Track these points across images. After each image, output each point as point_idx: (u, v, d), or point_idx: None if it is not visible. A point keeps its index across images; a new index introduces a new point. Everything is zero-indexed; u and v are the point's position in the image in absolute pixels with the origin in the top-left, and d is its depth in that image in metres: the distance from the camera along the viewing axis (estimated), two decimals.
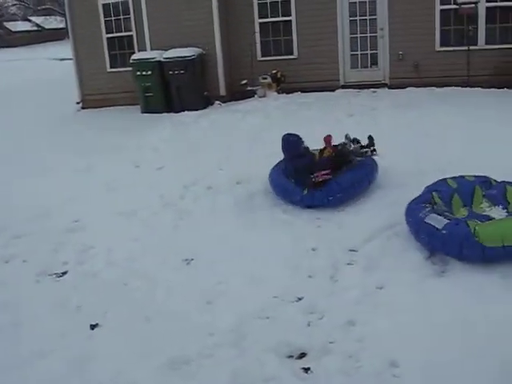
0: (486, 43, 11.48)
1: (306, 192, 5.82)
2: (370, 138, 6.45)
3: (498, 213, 4.86)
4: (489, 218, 4.73)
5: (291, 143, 6.14)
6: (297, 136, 6.16)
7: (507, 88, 10.79)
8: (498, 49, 11.36)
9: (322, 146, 6.47)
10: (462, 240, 4.34)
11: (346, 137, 6.52)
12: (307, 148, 6.22)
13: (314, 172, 5.87)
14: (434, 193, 5.12)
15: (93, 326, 4.12)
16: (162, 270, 4.86)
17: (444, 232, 4.47)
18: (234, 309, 4.15)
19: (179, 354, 3.71)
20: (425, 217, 4.71)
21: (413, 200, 5.10)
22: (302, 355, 3.63)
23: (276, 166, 6.46)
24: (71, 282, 4.85)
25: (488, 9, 11.37)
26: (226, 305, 4.26)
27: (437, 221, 4.55)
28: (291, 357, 3.63)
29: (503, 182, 5.12)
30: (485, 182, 5.20)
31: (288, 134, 6.21)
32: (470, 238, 4.30)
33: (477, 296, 4.03)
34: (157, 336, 3.94)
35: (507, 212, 4.86)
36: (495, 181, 5.18)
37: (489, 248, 4.23)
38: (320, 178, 5.84)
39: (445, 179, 5.28)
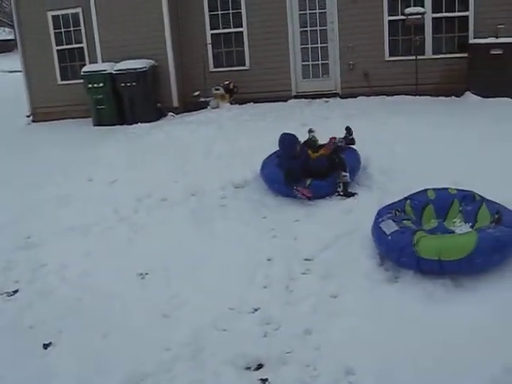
0: (433, 53, 11.78)
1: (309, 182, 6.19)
2: (348, 128, 6.95)
3: (464, 230, 4.89)
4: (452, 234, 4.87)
5: (287, 143, 6.34)
6: (292, 136, 6.37)
7: (455, 96, 11.08)
8: (445, 58, 11.67)
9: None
10: (401, 248, 4.46)
11: (310, 131, 6.75)
12: (302, 147, 6.44)
13: (309, 170, 6.26)
14: (407, 201, 5.22)
15: (46, 346, 4.05)
16: (116, 285, 4.81)
17: (389, 238, 4.60)
18: (191, 322, 4.15)
19: (136, 369, 3.68)
20: (381, 222, 4.83)
21: (386, 206, 5.23)
22: (260, 366, 3.66)
23: (268, 158, 6.77)
24: (23, 301, 4.75)
25: (434, 19, 11.68)
26: (182, 318, 4.25)
27: (387, 227, 4.67)
28: (248, 368, 3.65)
29: (483, 199, 5.08)
30: (466, 196, 5.16)
31: (284, 134, 6.41)
32: (408, 247, 4.41)
33: (429, 302, 4.13)
34: (113, 352, 3.90)
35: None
36: (479, 196, 5.13)
37: (424, 259, 4.32)
38: (299, 194, 6.01)
39: (426, 189, 5.33)
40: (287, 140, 6.33)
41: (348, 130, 6.91)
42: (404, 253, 4.43)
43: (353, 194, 6.23)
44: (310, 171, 6.28)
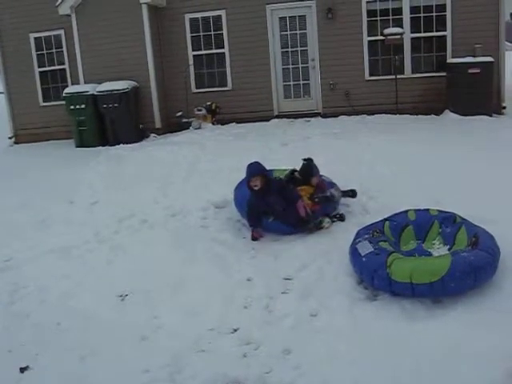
0: (413, 72, 11.99)
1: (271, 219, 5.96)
2: (353, 190, 6.61)
3: (441, 252, 4.91)
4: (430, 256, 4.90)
5: (247, 174, 5.92)
6: (254, 167, 5.91)
7: (434, 114, 11.24)
8: (424, 77, 11.86)
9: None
10: (374, 270, 4.48)
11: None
12: (277, 183, 6.07)
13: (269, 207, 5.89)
14: (386, 222, 5.23)
15: (22, 369, 4.00)
16: (96, 307, 4.77)
17: (364, 259, 4.62)
18: (170, 343, 4.13)
19: None
20: (358, 242, 4.86)
21: (365, 226, 5.24)
22: None
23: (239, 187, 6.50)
24: (1, 323, 4.70)
25: (413, 39, 11.89)
26: (161, 339, 4.23)
27: (363, 248, 4.69)
28: None
29: (464, 221, 5.07)
30: (448, 218, 5.15)
31: (250, 163, 6.00)
32: (381, 269, 4.43)
33: (407, 320, 4.15)
34: (91, 375, 3.87)
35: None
36: (460, 218, 5.12)
37: (396, 282, 4.33)
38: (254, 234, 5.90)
39: (407, 210, 5.34)
40: (247, 171, 5.92)
41: (353, 192, 6.59)
42: (377, 274, 4.45)
43: (342, 217, 6.13)
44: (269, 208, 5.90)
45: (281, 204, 5.81)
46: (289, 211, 5.76)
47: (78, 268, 5.62)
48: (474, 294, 4.31)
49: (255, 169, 5.87)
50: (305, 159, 6.45)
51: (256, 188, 5.76)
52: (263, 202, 5.83)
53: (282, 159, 8.13)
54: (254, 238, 5.86)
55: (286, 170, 6.71)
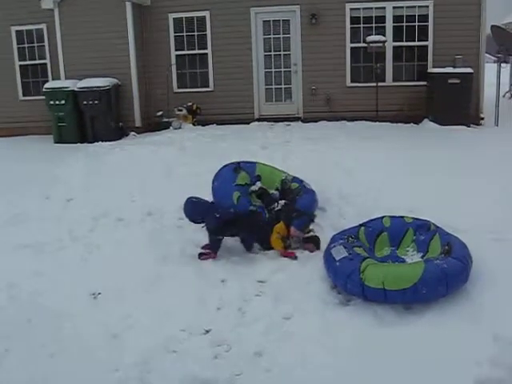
0: (394, 80, 12.09)
1: None
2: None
3: (415, 259, 4.94)
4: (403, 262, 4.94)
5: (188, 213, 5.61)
6: (189, 204, 5.62)
7: (414, 123, 11.34)
8: (405, 86, 11.97)
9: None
10: (348, 274, 4.50)
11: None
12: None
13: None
14: (362, 228, 5.26)
15: None
16: (68, 305, 4.72)
17: (337, 264, 4.65)
18: (141, 343, 4.10)
19: None
20: (332, 247, 4.88)
21: (340, 231, 5.26)
22: None
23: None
24: None
25: (395, 48, 12.00)
26: (132, 339, 4.19)
27: (337, 253, 4.72)
28: None
29: (438, 229, 5.11)
30: (422, 226, 5.19)
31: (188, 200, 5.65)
32: (355, 274, 4.45)
33: (379, 325, 4.19)
34: (60, 373, 3.84)
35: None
36: (434, 226, 5.17)
37: (368, 287, 4.36)
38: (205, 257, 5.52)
39: (382, 217, 5.37)
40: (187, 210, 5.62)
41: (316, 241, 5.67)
42: (350, 279, 4.47)
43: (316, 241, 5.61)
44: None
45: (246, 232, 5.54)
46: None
47: (50, 265, 5.54)
48: (445, 302, 4.36)
49: (191, 213, 5.59)
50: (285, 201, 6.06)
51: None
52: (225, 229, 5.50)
53: (262, 161, 8.14)
54: (202, 257, 5.49)
55: (266, 165, 6.81)
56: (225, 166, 6.69)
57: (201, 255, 5.49)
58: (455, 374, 3.56)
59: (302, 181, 6.53)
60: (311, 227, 5.69)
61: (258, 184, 6.41)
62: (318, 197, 6.39)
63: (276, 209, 5.93)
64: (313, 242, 5.55)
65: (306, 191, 6.34)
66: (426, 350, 3.78)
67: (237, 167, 6.62)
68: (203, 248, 5.59)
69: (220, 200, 6.10)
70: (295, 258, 5.37)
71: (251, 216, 5.68)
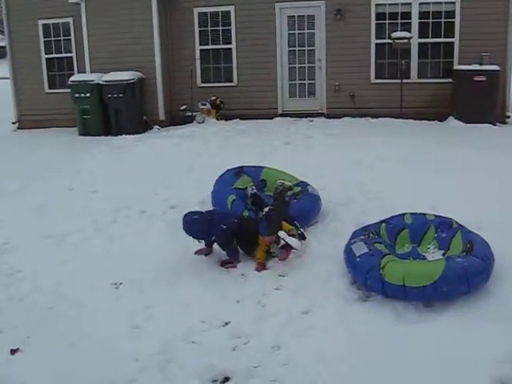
0: (419, 77, 11.98)
1: None
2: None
3: (436, 256, 4.91)
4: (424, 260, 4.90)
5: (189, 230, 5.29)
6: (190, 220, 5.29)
7: (438, 120, 11.24)
8: (430, 83, 11.86)
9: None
10: (368, 270, 4.49)
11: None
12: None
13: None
14: (383, 224, 5.24)
15: (13, 351, 4.03)
16: (89, 295, 4.80)
17: (358, 260, 4.64)
18: (161, 333, 4.15)
19: (103, 380, 3.67)
20: (353, 243, 4.87)
21: (361, 227, 5.24)
22: (226, 379, 3.67)
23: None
24: None
25: (420, 44, 11.88)
26: (152, 329, 4.25)
27: (358, 249, 4.71)
28: (215, 381, 3.66)
29: (460, 226, 5.06)
30: (444, 223, 5.16)
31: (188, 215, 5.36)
32: (375, 270, 4.44)
33: (398, 321, 4.18)
34: (81, 362, 3.89)
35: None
36: (457, 224, 5.12)
37: (388, 283, 4.35)
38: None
39: (404, 213, 5.34)
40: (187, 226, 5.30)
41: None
42: (370, 275, 4.46)
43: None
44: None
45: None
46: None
47: (73, 255, 5.65)
48: (466, 300, 4.32)
49: (193, 231, 5.26)
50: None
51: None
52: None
53: (284, 157, 8.16)
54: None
55: (273, 169, 6.69)
56: (228, 170, 6.70)
57: (224, 264, 5.29)
58: (474, 373, 3.52)
59: (308, 185, 6.39)
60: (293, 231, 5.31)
61: (251, 189, 6.24)
62: (321, 201, 6.20)
63: (260, 215, 5.50)
64: (284, 249, 5.27)
65: (306, 195, 6.18)
66: (445, 348, 3.76)
67: (239, 171, 6.61)
68: (225, 263, 5.30)
69: (216, 204, 6.17)
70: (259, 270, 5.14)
71: (241, 221, 5.43)
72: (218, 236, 5.29)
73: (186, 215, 5.32)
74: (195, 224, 5.25)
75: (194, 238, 5.29)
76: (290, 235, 5.18)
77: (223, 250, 5.36)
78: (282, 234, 5.16)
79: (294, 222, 5.56)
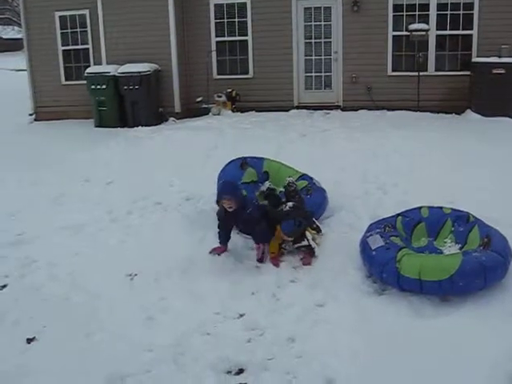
0: (436, 70, 11.86)
1: None
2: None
3: (452, 251, 4.86)
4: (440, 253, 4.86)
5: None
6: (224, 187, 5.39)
7: (456, 113, 11.13)
8: (447, 75, 11.74)
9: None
10: (384, 264, 4.46)
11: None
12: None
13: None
14: (399, 217, 5.19)
15: (29, 340, 4.06)
16: (104, 285, 4.81)
17: (374, 253, 4.61)
18: (175, 325, 4.16)
19: (117, 370, 3.67)
20: (369, 236, 4.84)
21: (377, 220, 5.21)
22: (241, 371, 3.66)
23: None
24: (11, 296, 4.76)
25: (438, 36, 11.76)
26: (167, 321, 4.25)
27: (374, 242, 4.68)
28: (229, 372, 3.65)
29: (477, 220, 4.98)
30: (461, 217, 5.09)
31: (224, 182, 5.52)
32: (391, 264, 4.41)
33: (413, 315, 4.15)
34: (96, 352, 3.90)
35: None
36: (474, 217, 5.05)
37: (404, 277, 4.31)
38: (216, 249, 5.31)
39: (420, 207, 5.28)
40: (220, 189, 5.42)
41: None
42: (386, 269, 4.43)
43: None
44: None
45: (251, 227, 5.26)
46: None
47: (89, 246, 5.67)
48: (482, 295, 4.29)
49: (228, 190, 5.26)
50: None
51: (230, 210, 5.18)
52: (234, 221, 5.34)
53: (300, 149, 8.14)
54: (214, 252, 5.32)
55: (274, 161, 6.57)
56: (230, 161, 6.49)
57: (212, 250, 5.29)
58: (489, 368, 3.48)
59: (311, 178, 6.26)
60: (311, 234, 5.21)
61: (267, 184, 6.18)
62: (327, 195, 6.08)
63: (284, 210, 5.31)
64: (307, 253, 5.15)
65: (316, 190, 6.08)
66: (461, 343, 3.73)
67: (243, 163, 6.39)
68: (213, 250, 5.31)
69: None
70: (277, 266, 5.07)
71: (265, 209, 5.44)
72: (251, 211, 5.16)
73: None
74: (232, 187, 5.29)
75: (220, 198, 5.19)
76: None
77: (251, 229, 5.21)
78: (309, 235, 5.14)
79: (313, 218, 5.51)
